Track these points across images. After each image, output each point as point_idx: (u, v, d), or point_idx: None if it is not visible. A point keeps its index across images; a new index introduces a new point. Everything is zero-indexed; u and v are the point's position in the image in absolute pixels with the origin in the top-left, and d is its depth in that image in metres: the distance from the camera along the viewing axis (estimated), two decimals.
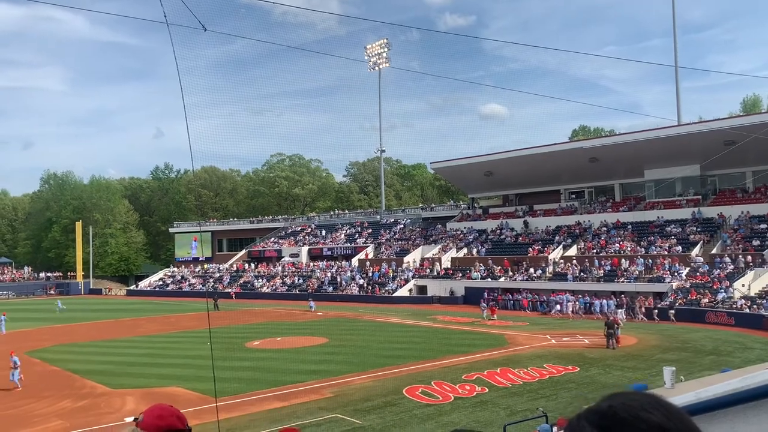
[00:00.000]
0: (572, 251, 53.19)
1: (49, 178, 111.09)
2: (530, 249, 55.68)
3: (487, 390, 21.47)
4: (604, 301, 42.70)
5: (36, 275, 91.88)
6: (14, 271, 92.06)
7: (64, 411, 20.43)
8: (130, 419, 2.21)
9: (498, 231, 62.28)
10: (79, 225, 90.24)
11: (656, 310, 40.18)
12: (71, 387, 24.15)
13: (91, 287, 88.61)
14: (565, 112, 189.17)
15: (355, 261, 68.48)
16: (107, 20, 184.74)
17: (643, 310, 40.91)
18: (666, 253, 47.21)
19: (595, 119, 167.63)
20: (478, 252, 59.58)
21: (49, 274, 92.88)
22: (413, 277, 59.83)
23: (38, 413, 20.24)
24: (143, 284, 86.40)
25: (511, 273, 53.20)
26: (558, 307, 44.86)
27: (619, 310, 39.66)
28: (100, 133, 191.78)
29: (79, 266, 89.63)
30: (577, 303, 44.58)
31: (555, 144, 60.24)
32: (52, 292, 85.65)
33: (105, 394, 22.66)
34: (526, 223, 60.86)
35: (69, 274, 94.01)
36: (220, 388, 17.19)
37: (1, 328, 42.45)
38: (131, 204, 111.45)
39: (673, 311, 39.33)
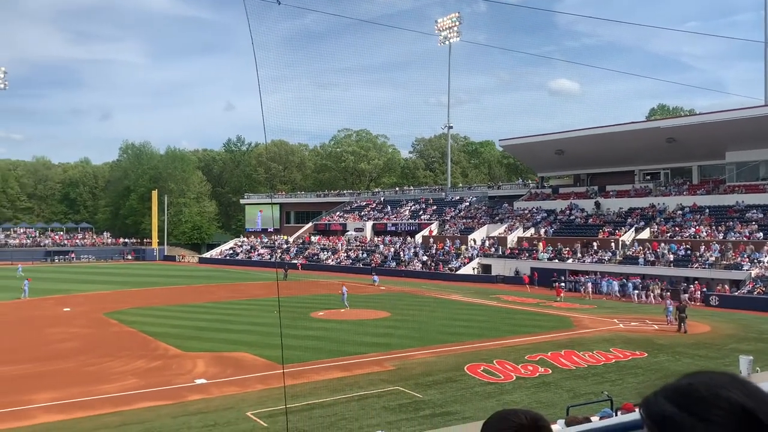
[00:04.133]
0: (645, 234, 51.48)
1: (127, 147, 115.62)
2: (601, 231, 54.22)
3: (550, 371, 21.21)
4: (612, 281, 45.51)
5: (114, 241, 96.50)
6: (95, 236, 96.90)
7: (139, 370, 21.48)
8: None
9: (567, 211, 60.91)
10: (155, 194, 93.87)
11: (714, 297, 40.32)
12: (146, 348, 25.34)
13: (166, 254, 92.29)
14: (642, 90, 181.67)
15: (418, 237, 68.54)
16: None
17: (658, 291, 42.49)
18: (746, 239, 45.03)
19: (673, 98, 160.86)
20: (545, 232, 58.52)
21: (126, 240, 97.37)
22: (478, 255, 59.40)
23: (115, 371, 21.36)
24: (214, 252, 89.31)
25: (579, 255, 52.04)
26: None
27: (636, 291, 42.88)
28: (175, 105, 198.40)
29: (155, 233, 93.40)
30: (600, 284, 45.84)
31: (631, 123, 58.14)
32: (129, 257, 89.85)
33: (177, 356, 23.67)
34: (597, 204, 59.22)
35: (145, 240, 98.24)
36: (285, 355, 17.66)
37: (24, 292, 42.69)
38: (204, 175, 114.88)
39: (716, 297, 40.02)
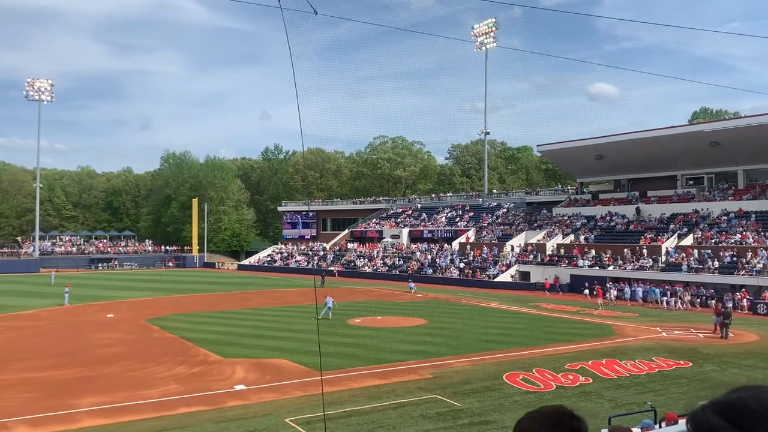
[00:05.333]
0: (688, 241, 50.25)
1: (168, 157, 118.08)
2: (642, 237, 53.15)
3: (591, 380, 20.83)
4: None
5: (156, 248, 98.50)
6: (137, 244, 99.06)
7: (180, 376, 21.83)
8: None
9: (608, 217, 59.89)
10: (195, 202, 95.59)
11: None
12: (186, 354, 25.74)
13: (206, 261, 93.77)
14: (684, 94, 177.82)
15: (455, 244, 68.21)
16: (223, 6, 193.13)
17: (689, 298, 42.66)
18: None
19: (717, 101, 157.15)
20: (585, 239, 57.62)
21: (167, 248, 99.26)
22: (516, 262, 58.81)
23: (157, 376, 21.74)
24: (253, 259, 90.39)
25: (621, 262, 51.09)
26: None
27: (664, 298, 42.67)
28: (213, 114, 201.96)
29: (195, 241, 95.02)
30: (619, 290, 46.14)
31: (673, 127, 56.92)
32: (170, 264, 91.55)
33: (217, 363, 23.98)
34: (638, 210, 58.07)
35: (185, 248, 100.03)
36: (323, 362, 17.75)
37: (65, 299, 43.56)
38: (243, 183, 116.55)
39: (764, 305, 39.85)
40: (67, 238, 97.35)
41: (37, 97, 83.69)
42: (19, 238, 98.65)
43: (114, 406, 17.89)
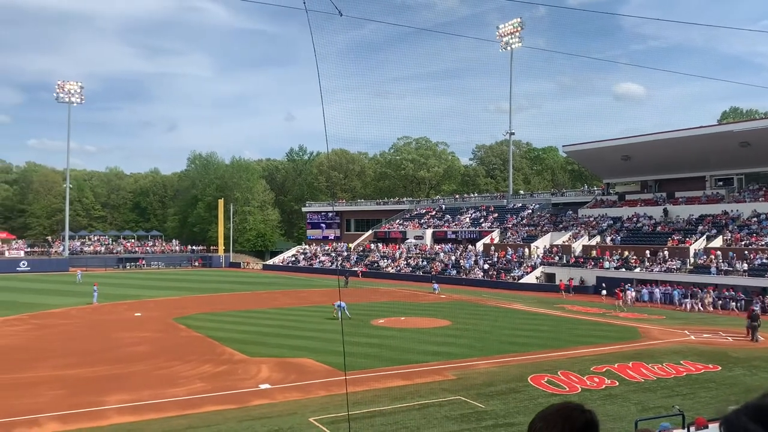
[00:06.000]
0: (717, 242, 49.40)
1: (195, 158, 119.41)
2: (670, 239, 52.38)
3: (617, 383, 20.59)
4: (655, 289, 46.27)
5: (182, 248, 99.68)
6: (164, 244, 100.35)
7: (206, 374, 22.06)
8: None
9: (634, 219, 59.14)
10: (221, 202, 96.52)
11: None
12: (212, 353, 26.01)
13: (231, 261, 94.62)
14: (713, 93, 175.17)
15: (479, 245, 67.90)
16: (247, 8, 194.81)
17: (710, 300, 42.52)
18: None
19: (747, 100, 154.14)
20: (612, 240, 56.97)
21: (194, 248, 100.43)
22: (541, 264, 58.36)
23: (183, 375, 22.00)
24: (277, 259, 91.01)
25: (647, 264, 50.41)
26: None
27: (685, 300, 42.37)
28: (238, 116, 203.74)
29: (221, 241, 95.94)
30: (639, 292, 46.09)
31: (702, 127, 55.99)
32: (196, 264, 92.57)
33: (242, 361, 24.19)
34: (665, 211, 57.25)
35: (211, 247, 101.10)
36: (347, 362, 17.80)
37: (93, 298, 44.26)
38: (267, 184, 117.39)
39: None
40: (95, 238, 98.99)
41: (67, 99, 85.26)
42: (49, 238, 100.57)
43: (141, 403, 18.15)
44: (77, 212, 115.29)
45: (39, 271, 77.09)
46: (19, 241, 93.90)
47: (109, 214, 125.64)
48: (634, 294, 44.81)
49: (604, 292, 45.51)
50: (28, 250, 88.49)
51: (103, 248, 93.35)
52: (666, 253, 50.22)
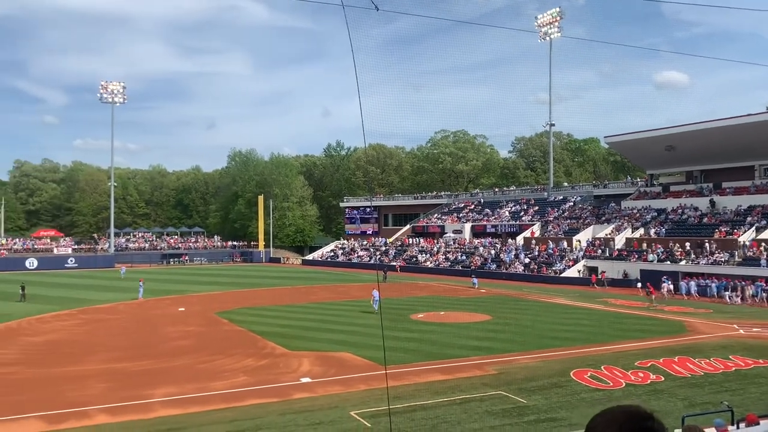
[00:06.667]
0: (767, 234, 47.84)
1: (235, 155, 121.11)
2: (717, 231, 50.96)
3: (662, 379, 20.14)
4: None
5: (224, 244, 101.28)
6: (206, 240, 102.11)
7: (249, 368, 22.37)
8: None
9: (679, 210, 57.70)
10: (261, 199, 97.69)
11: None
12: (254, 346, 26.36)
13: (271, 256, 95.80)
14: (761, 79, 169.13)
15: (520, 239, 67.19)
16: (284, 5, 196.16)
17: (750, 292, 41.71)
18: None
19: None
20: (656, 233, 55.71)
21: (235, 243, 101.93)
22: (583, 257, 57.45)
23: (227, 368, 22.36)
24: (316, 255, 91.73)
25: (693, 256, 49.16)
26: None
27: (725, 293, 41.85)
28: (276, 113, 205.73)
29: (261, 236, 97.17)
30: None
31: (749, 115, 54.18)
32: (237, 259, 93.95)
33: (283, 355, 24.45)
34: (712, 202, 55.69)
35: (252, 243, 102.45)
36: (387, 356, 17.81)
37: (139, 293, 45.30)
38: (306, 179, 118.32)
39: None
40: (140, 235, 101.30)
41: (110, 100, 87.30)
42: (95, 235, 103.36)
43: (186, 396, 18.51)
44: (122, 210, 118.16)
45: (86, 267, 79.36)
46: (66, 238, 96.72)
47: (152, 211, 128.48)
48: (671, 287, 44.21)
49: (639, 284, 45.11)
50: (76, 247, 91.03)
51: (147, 245, 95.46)
52: (713, 245, 48.89)
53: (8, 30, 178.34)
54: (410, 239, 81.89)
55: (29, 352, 25.87)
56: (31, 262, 77.52)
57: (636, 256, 53.18)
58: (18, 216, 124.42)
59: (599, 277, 51.85)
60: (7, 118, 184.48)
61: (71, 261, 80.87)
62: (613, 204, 66.31)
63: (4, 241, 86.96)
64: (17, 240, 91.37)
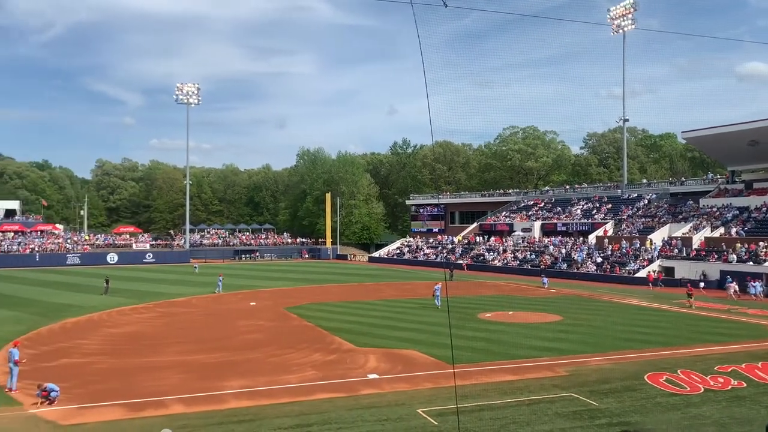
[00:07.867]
0: None
1: (303, 153, 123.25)
2: None
3: (745, 385, 19.17)
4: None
5: (293, 240, 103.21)
6: (276, 236, 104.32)
7: (317, 363, 22.71)
8: None
9: (763, 209, 54.76)
10: (328, 196, 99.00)
11: None
12: (322, 341, 26.75)
13: (338, 253, 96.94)
14: None
15: (592, 238, 65.40)
16: (351, 4, 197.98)
17: None
18: None
19: None
20: (737, 232, 53.07)
21: (303, 240, 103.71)
22: (658, 257, 55.37)
23: (295, 362, 22.77)
24: (382, 252, 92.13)
25: None
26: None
27: None
28: (342, 111, 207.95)
29: (328, 233, 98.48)
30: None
31: None
32: (305, 255, 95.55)
33: (350, 351, 24.70)
34: None
35: (320, 240, 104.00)
36: (454, 355, 17.70)
37: (218, 287, 47.17)
38: (372, 177, 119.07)
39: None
40: (213, 231, 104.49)
41: (185, 101, 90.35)
42: (171, 231, 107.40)
43: (256, 389, 18.96)
44: (196, 207, 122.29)
45: (162, 262, 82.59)
46: (145, 234, 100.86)
47: (225, 208, 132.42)
48: (737, 287, 42.79)
49: (702, 284, 44.50)
50: (153, 242, 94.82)
51: (220, 241, 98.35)
52: None
53: (91, 36, 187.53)
54: (477, 237, 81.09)
55: (110, 343, 27.14)
56: (112, 257, 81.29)
57: (715, 255, 50.84)
58: (100, 213, 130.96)
59: (656, 276, 50.63)
60: (91, 119, 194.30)
61: (149, 256, 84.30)
62: (690, 202, 63.64)
63: (87, 237, 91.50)
64: (99, 236, 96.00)
